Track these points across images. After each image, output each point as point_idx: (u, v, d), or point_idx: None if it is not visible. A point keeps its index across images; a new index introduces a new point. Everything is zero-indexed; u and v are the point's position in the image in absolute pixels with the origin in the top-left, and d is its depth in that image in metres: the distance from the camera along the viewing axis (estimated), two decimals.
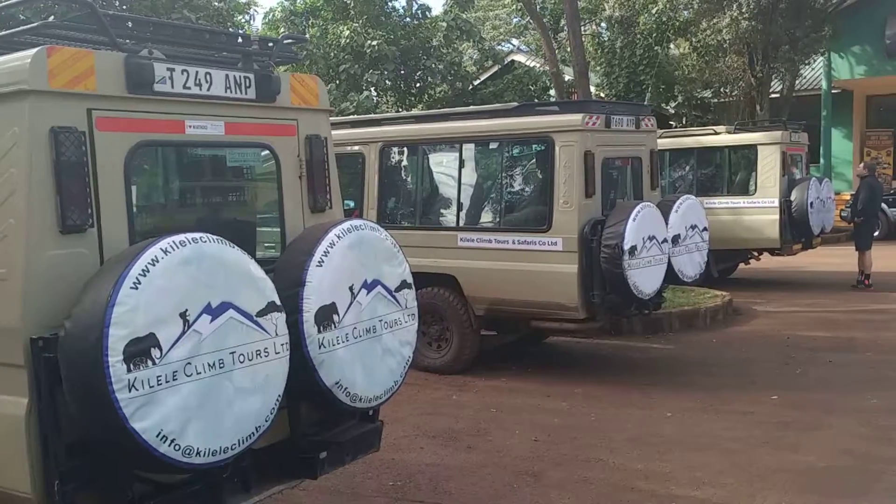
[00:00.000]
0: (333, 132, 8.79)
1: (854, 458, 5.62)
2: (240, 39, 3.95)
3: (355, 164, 8.78)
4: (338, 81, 19.08)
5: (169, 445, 3.03)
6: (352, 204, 9.00)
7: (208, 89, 3.70)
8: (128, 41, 3.53)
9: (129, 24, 3.55)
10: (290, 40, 4.20)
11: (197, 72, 3.65)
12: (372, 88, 20.32)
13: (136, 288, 2.98)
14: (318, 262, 3.74)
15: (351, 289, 3.87)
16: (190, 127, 3.67)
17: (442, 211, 8.48)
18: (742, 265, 13.86)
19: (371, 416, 4.39)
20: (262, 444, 3.82)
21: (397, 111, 20.25)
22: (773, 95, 22.12)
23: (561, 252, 7.41)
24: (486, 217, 8.15)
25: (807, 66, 23.21)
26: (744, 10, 18.31)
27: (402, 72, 20.97)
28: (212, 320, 3.20)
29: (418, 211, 8.57)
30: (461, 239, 7.99)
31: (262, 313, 3.40)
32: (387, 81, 20.19)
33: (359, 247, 3.94)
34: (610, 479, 5.37)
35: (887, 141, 25.03)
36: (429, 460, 5.82)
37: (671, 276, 7.86)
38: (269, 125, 4.07)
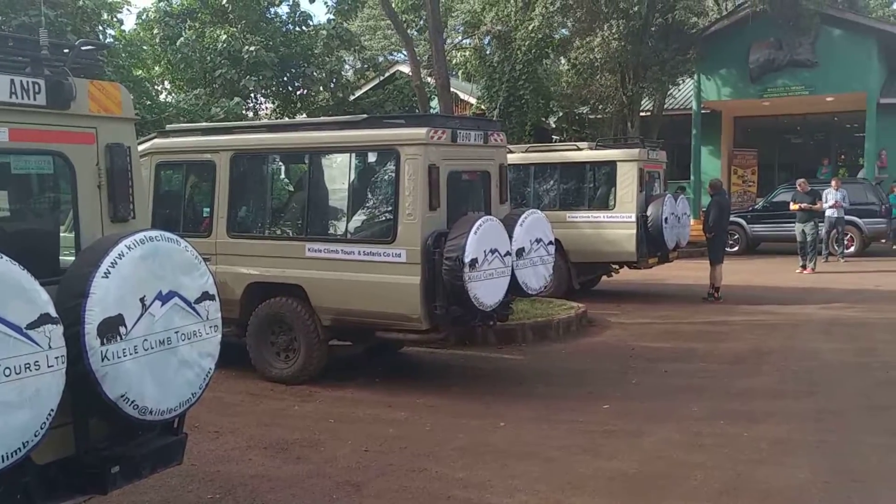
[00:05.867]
0: (186, 139, 8.86)
1: (664, 463, 5.88)
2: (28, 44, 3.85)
3: (207, 173, 8.68)
4: (214, 86, 18.77)
5: None
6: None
7: None
8: None
9: None
10: (88, 46, 4.11)
11: None
12: (252, 94, 20.09)
13: None
14: (105, 273, 3.68)
15: (142, 300, 3.82)
16: None
17: (291, 221, 8.45)
18: (605, 277, 14.32)
19: (174, 428, 4.35)
20: (50, 459, 3.77)
21: (279, 118, 20.10)
22: (645, 113, 23.01)
23: (404, 263, 7.51)
24: (334, 228, 8.16)
25: (677, 87, 24.20)
26: (614, 31, 18.98)
27: (285, 79, 20.83)
28: None
29: (267, 220, 8.52)
30: (309, 249, 7.99)
31: (33, 326, 3.33)
32: (265, 89, 20.00)
33: (153, 258, 3.90)
34: (429, 488, 5.46)
35: (752, 160, 26.40)
36: (254, 472, 5.78)
37: (516, 289, 8.06)
38: (62, 132, 3.98)
